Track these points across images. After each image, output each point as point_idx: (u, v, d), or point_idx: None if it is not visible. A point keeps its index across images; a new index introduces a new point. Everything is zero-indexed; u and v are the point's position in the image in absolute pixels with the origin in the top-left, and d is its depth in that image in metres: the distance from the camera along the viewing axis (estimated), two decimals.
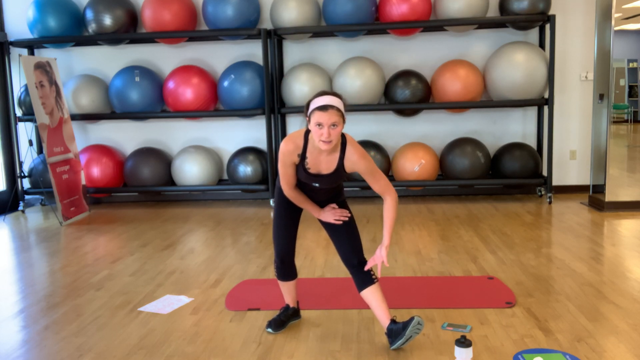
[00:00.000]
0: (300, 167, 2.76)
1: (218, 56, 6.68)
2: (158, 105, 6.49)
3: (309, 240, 4.86)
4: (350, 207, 6.12)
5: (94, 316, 3.35)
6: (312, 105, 2.62)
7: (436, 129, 6.61)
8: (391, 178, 6.41)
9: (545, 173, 6.45)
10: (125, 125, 6.88)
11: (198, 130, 6.82)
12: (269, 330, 3.03)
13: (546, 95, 6.38)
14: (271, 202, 6.33)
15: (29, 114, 6.52)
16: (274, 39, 6.20)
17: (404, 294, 3.52)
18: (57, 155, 5.84)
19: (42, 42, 6.30)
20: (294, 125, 6.70)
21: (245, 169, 6.25)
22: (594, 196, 5.84)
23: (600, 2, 5.72)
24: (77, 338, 3.06)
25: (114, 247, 4.85)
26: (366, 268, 2.83)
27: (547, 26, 6.28)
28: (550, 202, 6.07)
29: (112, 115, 6.44)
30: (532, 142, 6.54)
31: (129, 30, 6.40)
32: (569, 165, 6.57)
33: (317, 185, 2.81)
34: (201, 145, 6.68)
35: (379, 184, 2.75)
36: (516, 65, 5.90)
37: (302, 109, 2.72)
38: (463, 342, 2.39)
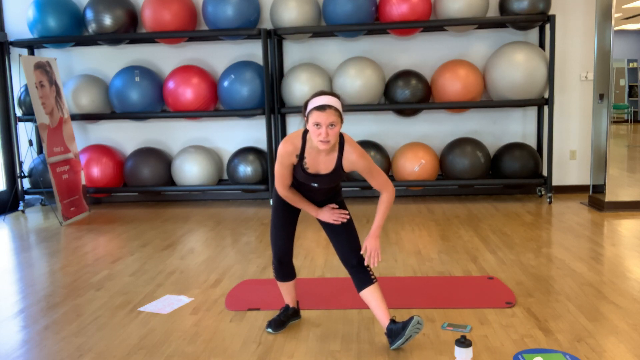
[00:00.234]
0: (299, 167, 2.76)
1: (218, 56, 6.69)
2: (158, 105, 6.49)
3: (309, 240, 4.86)
4: (349, 207, 6.11)
5: (94, 316, 3.35)
6: (310, 105, 2.63)
7: (436, 129, 6.61)
8: (391, 178, 6.41)
9: (545, 173, 6.45)
10: (125, 125, 6.89)
11: (198, 130, 6.82)
12: (269, 330, 3.04)
13: (546, 95, 6.38)
14: (271, 202, 6.32)
15: (29, 114, 6.52)
16: (274, 39, 6.21)
17: (404, 294, 3.52)
18: (57, 155, 5.84)
19: (42, 42, 6.30)
20: (294, 125, 6.70)
21: (245, 169, 6.25)
22: (594, 196, 5.84)
23: (600, 2, 5.72)
24: (77, 338, 3.06)
25: (114, 247, 4.85)
26: (365, 263, 2.82)
27: (547, 26, 6.28)
28: (550, 202, 6.07)
29: (112, 115, 6.44)
30: (532, 142, 6.54)
31: (129, 30, 6.40)
32: (569, 165, 6.57)
33: (315, 185, 2.81)
34: (201, 145, 6.68)
35: (378, 181, 2.76)
36: (516, 65, 5.90)
37: (302, 110, 2.72)
38: (463, 342, 2.39)
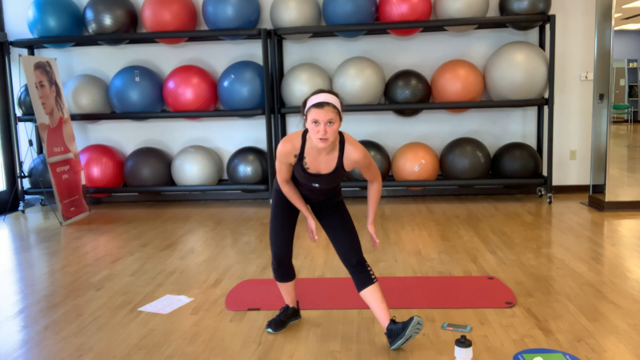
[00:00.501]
0: (299, 167, 2.76)
1: (218, 56, 6.69)
2: (158, 105, 6.49)
3: (309, 240, 4.86)
4: (350, 207, 6.11)
5: (94, 316, 3.35)
6: (309, 103, 2.63)
7: (436, 129, 6.61)
8: (391, 178, 6.42)
9: (545, 173, 6.45)
10: (125, 125, 6.89)
11: (198, 130, 6.82)
12: (269, 330, 3.03)
13: (546, 95, 6.38)
14: (271, 202, 6.32)
15: (29, 114, 6.52)
16: (274, 39, 6.21)
17: (404, 294, 3.52)
18: (57, 155, 5.84)
19: (42, 42, 6.30)
20: (294, 125, 6.70)
21: (245, 169, 6.25)
22: (594, 196, 5.84)
23: (600, 2, 5.72)
24: (77, 338, 3.06)
25: (114, 247, 4.85)
26: (374, 247, 2.89)
27: (547, 26, 6.28)
28: (550, 202, 6.07)
29: (112, 115, 6.44)
30: (532, 142, 6.54)
31: (129, 30, 6.40)
32: (569, 165, 6.57)
33: (316, 185, 2.81)
34: (201, 145, 6.68)
35: (372, 173, 2.86)
36: (516, 65, 5.90)
37: (300, 109, 2.72)
38: (463, 342, 2.39)
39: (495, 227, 5.10)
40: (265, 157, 6.37)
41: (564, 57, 6.42)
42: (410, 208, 6.04)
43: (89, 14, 6.25)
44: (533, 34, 6.39)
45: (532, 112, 6.53)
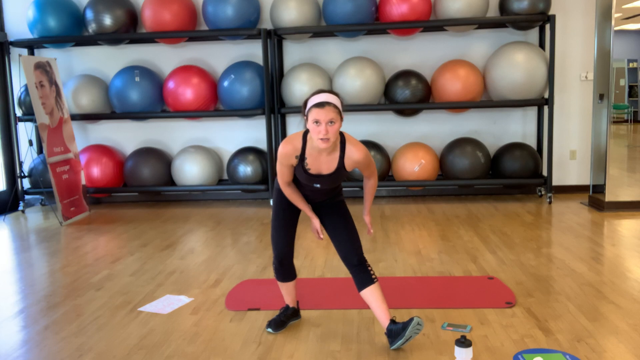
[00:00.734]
0: (300, 168, 2.76)
1: (218, 56, 6.69)
2: (158, 105, 6.49)
3: (309, 240, 4.86)
4: (350, 206, 6.11)
5: (94, 316, 3.35)
6: (309, 103, 2.64)
7: (436, 129, 6.61)
8: (391, 178, 6.42)
9: (545, 173, 6.45)
10: (125, 125, 6.89)
11: (198, 130, 6.82)
12: (269, 330, 3.04)
13: (546, 95, 6.38)
14: (271, 202, 6.32)
15: (29, 114, 6.52)
16: (274, 39, 6.21)
17: (404, 294, 3.52)
18: (57, 155, 5.84)
19: (42, 42, 6.30)
20: (294, 125, 6.70)
21: (245, 169, 6.25)
22: (594, 196, 5.84)
23: (600, 2, 5.72)
24: (77, 338, 3.06)
25: (114, 247, 4.85)
26: (368, 235, 2.94)
27: (547, 26, 6.28)
28: (550, 202, 6.07)
29: (112, 115, 6.44)
30: (532, 142, 6.54)
31: (129, 30, 6.40)
32: (569, 165, 6.57)
33: (318, 186, 2.81)
34: (201, 145, 6.68)
35: (370, 171, 2.88)
36: (516, 65, 5.90)
37: (301, 109, 2.72)
38: (463, 342, 2.39)
39: (495, 227, 5.10)
40: (265, 157, 6.37)
41: (564, 57, 6.42)
42: (410, 208, 6.04)
43: (89, 14, 6.25)
44: (533, 34, 6.39)
45: (532, 112, 6.53)
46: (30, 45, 6.58)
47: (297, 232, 5.09)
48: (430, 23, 5.88)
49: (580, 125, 6.51)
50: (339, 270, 4.03)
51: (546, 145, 6.32)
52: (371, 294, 2.82)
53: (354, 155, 2.73)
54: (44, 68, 5.96)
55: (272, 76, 6.26)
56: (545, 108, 6.42)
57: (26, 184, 6.97)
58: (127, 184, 6.58)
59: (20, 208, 6.63)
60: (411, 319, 2.70)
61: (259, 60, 6.63)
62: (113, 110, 6.70)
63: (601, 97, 5.84)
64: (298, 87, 6.11)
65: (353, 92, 6.05)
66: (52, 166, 5.73)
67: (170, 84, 6.29)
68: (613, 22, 5.62)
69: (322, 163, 2.75)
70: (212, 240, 4.97)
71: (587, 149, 6.52)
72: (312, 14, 6.10)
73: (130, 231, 5.42)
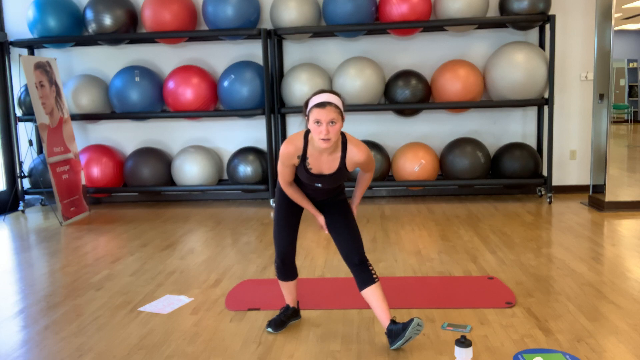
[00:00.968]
0: (302, 168, 2.76)
1: (218, 56, 6.69)
2: (158, 105, 6.49)
3: (309, 240, 4.86)
4: None
5: (94, 316, 3.35)
6: (310, 104, 2.64)
7: (436, 129, 6.61)
8: (391, 178, 6.42)
9: (545, 173, 6.45)
10: (125, 125, 6.89)
11: (198, 130, 6.82)
12: (269, 330, 3.04)
13: (546, 95, 6.38)
14: (271, 202, 6.33)
15: (29, 114, 6.52)
16: (274, 39, 6.21)
17: (404, 294, 3.52)
18: (57, 155, 5.84)
19: (42, 42, 6.30)
20: (294, 125, 6.70)
21: (245, 169, 6.25)
22: (594, 196, 5.84)
23: (600, 2, 5.72)
24: (77, 338, 3.06)
25: (114, 247, 4.85)
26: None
27: (547, 26, 6.28)
28: (550, 202, 6.07)
29: (112, 115, 6.44)
30: (532, 142, 6.54)
31: (129, 30, 6.40)
32: (569, 165, 6.57)
33: (319, 185, 2.82)
34: (201, 145, 6.68)
35: (369, 167, 2.89)
36: (516, 65, 5.90)
37: (302, 109, 2.72)
38: (463, 342, 2.39)
39: (495, 227, 5.10)
40: (265, 157, 6.37)
41: (564, 57, 6.42)
42: (410, 208, 6.04)
43: (89, 14, 6.25)
44: (533, 34, 6.39)
45: (532, 112, 6.53)
46: (30, 45, 6.58)
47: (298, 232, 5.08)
48: (430, 23, 5.88)
49: (580, 125, 6.51)
50: (339, 270, 4.03)
51: (546, 145, 6.32)
52: (372, 294, 2.82)
53: (356, 156, 2.73)
54: (44, 68, 5.96)
55: (272, 76, 6.26)
56: (545, 108, 6.42)
57: (26, 184, 6.97)
58: (127, 184, 6.58)
59: (20, 208, 6.63)
60: (411, 320, 2.70)
61: (259, 60, 6.63)
62: (113, 110, 6.70)
63: (601, 97, 5.84)
64: (298, 87, 6.11)
65: (353, 92, 6.05)
66: (52, 166, 5.73)
67: (170, 84, 6.29)
68: (613, 22, 5.62)
69: (323, 163, 2.75)
70: (212, 240, 4.97)
71: (587, 149, 6.52)
72: (312, 14, 6.10)
73: (130, 231, 5.42)
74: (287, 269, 3.02)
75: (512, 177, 6.09)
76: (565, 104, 6.49)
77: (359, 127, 6.66)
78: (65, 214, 5.83)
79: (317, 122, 2.59)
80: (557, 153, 6.55)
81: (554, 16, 5.84)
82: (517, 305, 3.29)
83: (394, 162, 6.27)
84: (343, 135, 2.75)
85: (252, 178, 6.27)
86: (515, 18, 5.84)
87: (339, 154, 2.73)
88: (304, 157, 2.74)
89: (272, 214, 5.92)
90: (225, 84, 6.20)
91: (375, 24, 5.93)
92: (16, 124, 6.74)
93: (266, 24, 6.54)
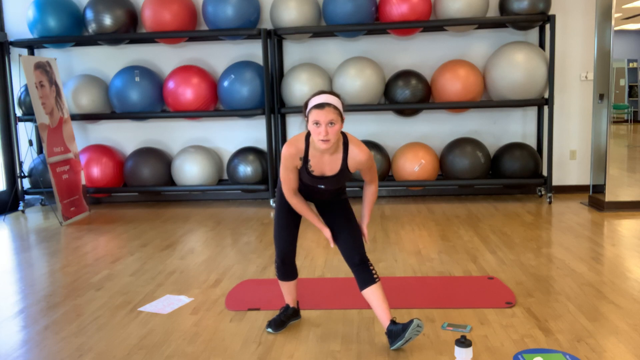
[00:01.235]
0: (304, 170, 2.76)
1: (218, 56, 6.69)
2: (158, 105, 6.49)
3: (309, 240, 4.86)
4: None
5: (94, 316, 3.35)
6: (310, 104, 2.64)
7: (436, 129, 6.61)
8: (391, 178, 6.42)
9: (545, 173, 6.45)
10: (125, 125, 6.89)
11: (198, 130, 6.82)
12: (269, 330, 3.04)
13: (546, 95, 6.38)
14: (271, 202, 6.32)
15: (29, 114, 6.52)
16: (274, 39, 6.21)
17: (404, 294, 3.52)
18: (57, 155, 5.84)
19: (42, 42, 6.30)
20: (294, 125, 6.71)
21: (245, 169, 6.25)
22: (594, 196, 5.84)
23: (600, 2, 5.72)
24: (77, 338, 3.06)
25: (114, 247, 4.85)
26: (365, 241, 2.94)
27: (547, 26, 6.28)
28: (550, 202, 6.07)
29: (112, 115, 6.44)
30: (532, 142, 6.54)
31: (129, 30, 6.40)
32: (569, 165, 6.57)
33: (322, 187, 2.82)
34: (201, 145, 6.68)
35: (372, 175, 2.87)
36: (516, 65, 5.90)
37: (302, 110, 2.72)
38: (463, 342, 2.39)
39: (495, 227, 5.10)
40: (265, 157, 6.37)
41: (564, 57, 6.42)
42: (410, 208, 6.04)
43: (89, 14, 6.25)
44: (533, 34, 6.39)
45: (532, 112, 6.53)
46: (30, 45, 6.58)
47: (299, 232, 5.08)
48: (430, 23, 5.88)
49: (580, 125, 6.51)
50: (339, 270, 4.03)
51: (546, 145, 6.32)
52: (372, 294, 2.82)
53: (357, 156, 2.73)
54: (44, 68, 5.96)
55: (272, 76, 6.26)
56: (545, 108, 6.42)
57: (26, 184, 6.97)
58: (127, 184, 6.58)
59: (20, 208, 6.63)
60: (411, 321, 2.70)
61: (259, 60, 6.63)
62: (113, 110, 6.70)
63: (601, 97, 5.84)
64: (298, 87, 6.11)
65: (353, 92, 6.05)
66: (52, 166, 5.73)
67: (170, 84, 6.29)
68: (613, 22, 5.62)
69: (325, 164, 2.75)
70: (212, 240, 4.97)
71: (587, 149, 6.52)
72: (312, 14, 6.10)
73: (130, 231, 5.42)
74: (287, 269, 3.02)
75: (512, 177, 6.09)
76: (565, 104, 6.49)
77: (359, 127, 6.66)
78: (65, 214, 5.83)
79: (316, 123, 2.59)
80: (557, 153, 6.55)
81: (554, 16, 5.84)
82: (517, 305, 3.29)
83: (394, 162, 6.27)
84: (344, 135, 2.75)
85: (252, 178, 6.27)
86: (515, 18, 5.84)
87: (340, 155, 2.73)
88: (305, 159, 2.74)
89: (272, 214, 5.92)
90: (225, 84, 6.20)
91: (375, 24, 5.93)
92: (16, 124, 6.74)
93: (266, 24, 6.54)
